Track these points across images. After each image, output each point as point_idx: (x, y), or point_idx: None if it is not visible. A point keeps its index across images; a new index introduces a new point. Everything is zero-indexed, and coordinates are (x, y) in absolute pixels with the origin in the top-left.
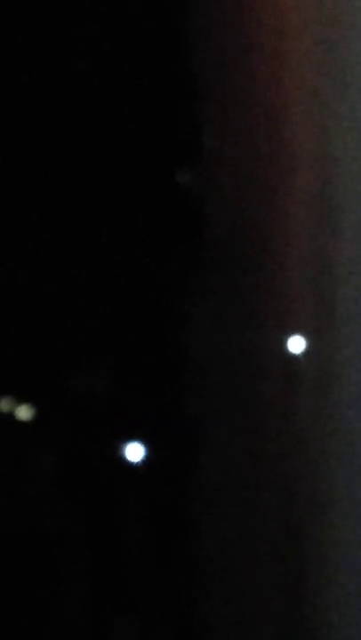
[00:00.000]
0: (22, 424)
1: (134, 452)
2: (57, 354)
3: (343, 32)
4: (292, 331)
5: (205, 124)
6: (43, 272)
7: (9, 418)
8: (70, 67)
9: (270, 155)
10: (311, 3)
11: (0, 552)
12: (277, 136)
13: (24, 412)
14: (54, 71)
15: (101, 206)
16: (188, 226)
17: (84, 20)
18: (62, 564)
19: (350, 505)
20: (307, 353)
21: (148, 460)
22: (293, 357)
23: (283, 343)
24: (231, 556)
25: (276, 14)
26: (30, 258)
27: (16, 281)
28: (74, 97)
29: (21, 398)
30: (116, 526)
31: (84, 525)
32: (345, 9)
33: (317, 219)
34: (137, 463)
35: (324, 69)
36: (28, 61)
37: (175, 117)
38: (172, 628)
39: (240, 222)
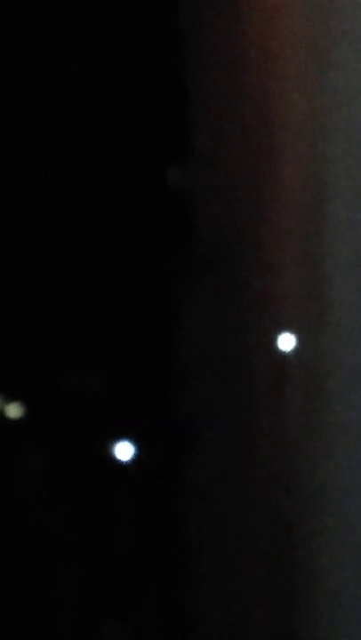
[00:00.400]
0: (12, 422)
1: (124, 450)
2: (48, 352)
3: (338, 29)
4: (283, 328)
5: (197, 124)
6: (36, 270)
7: None
8: (63, 67)
9: (262, 154)
10: (306, 1)
11: None
12: (269, 135)
13: (14, 411)
14: (48, 71)
15: (93, 206)
16: (179, 226)
17: (76, 21)
18: (53, 563)
19: (342, 502)
20: (297, 350)
21: (137, 459)
22: (284, 355)
23: (273, 341)
24: (223, 556)
25: (269, 14)
26: (24, 256)
27: (9, 279)
28: (66, 98)
29: (11, 396)
30: (107, 525)
31: (75, 524)
32: (340, 8)
33: (308, 217)
34: (127, 462)
35: (318, 69)
36: (22, 62)
37: (167, 117)
38: (164, 626)
39: (231, 222)
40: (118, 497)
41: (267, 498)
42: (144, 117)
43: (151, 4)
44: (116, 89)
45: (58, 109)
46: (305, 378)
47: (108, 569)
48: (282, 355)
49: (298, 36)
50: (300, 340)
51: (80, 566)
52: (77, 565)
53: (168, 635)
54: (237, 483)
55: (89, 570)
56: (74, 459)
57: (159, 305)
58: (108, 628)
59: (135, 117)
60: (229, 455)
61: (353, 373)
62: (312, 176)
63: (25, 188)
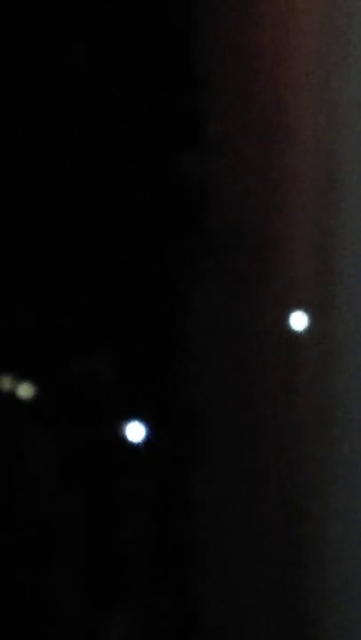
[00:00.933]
0: (23, 402)
1: (135, 431)
2: (58, 333)
3: (345, 24)
4: (295, 307)
5: (208, 112)
6: (48, 254)
7: (9, 396)
8: (73, 53)
9: (271, 140)
10: None
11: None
12: (279, 123)
13: (25, 391)
14: (57, 55)
15: (104, 194)
16: (191, 211)
17: (88, 10)
18: (63, 544)
19: (352, 485)
20: (309, 329)
21: (149, 440)
22: (296, 334)
23: (285, 320)
24: (232, 538)
25: (282, 3)
26: (34, 241)
27: (19, 262)
28: (77, 85)
29: (22, 377)
30: (117, 506)
31: (85, 505)
32: (347, 5)
33: (319, 198)
34: (138, 443)
35: (328, 58)
36: (33, 47)
37: (178, 106)
38: (171, 611)
39: (243, 207)
40: (130, 477)
41: (276, 478)
42: (155, 106)
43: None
44: (128, 79)
45: (69, 98)
46: (317, 356)
47: (119, 548)
48: (294, 334)
49: (314, 23)
50: (313, 319)
51: (91, 545)
52: (88, 544)
53: (175, 618)
54: (248, 463)
55: (100, 549)
56: (85, 439)
57: (170, 288)
58: (118, 608)
59: (147, 107)
60: (240, 435)
61: None
62: (323, 157)
63: (39, 173)
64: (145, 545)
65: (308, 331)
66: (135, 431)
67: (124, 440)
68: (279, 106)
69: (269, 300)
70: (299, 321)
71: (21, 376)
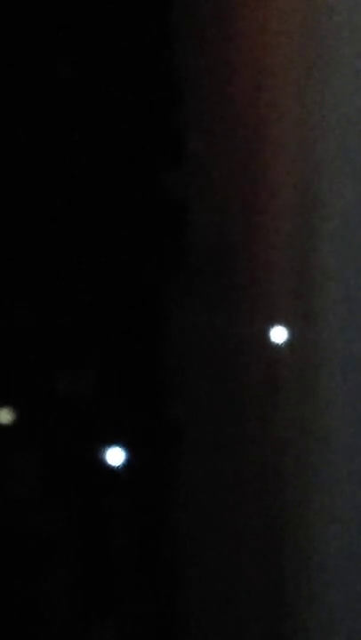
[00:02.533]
0: (3, 427)
1: (115, 456)
2: (39, 357)
3: (330, 33)
4: (275, 321)
5: (188, 130)
6: (27, 274)
7: None
8: (55, 72)
9: (254, 158)
10: (299, 6)
11: None
12: (260, 139)
13: (4, 416)
14: (40, 76)
15: (86, 209)
16: (172, 230)
17: (70, 26)
18: (44, 567)
19: (335, 497)
20: (289, 343)
21: (128, 465)
22: (276, 347)
23: (265, 334)
24: (214, 560)
25: (264, 19)
26: (14, 261)
27: (1, 284)
28: (59, 102)
29: (2, 401)
30: (98, 530)
31: (66, 529)
32: (332, 13)
33: (299, 213)
34: (118, 467)
35: (311, 72)
36: (14, 67)
37: (159, 121)
38: (154, 630)
39: (223, 220)
40: (110, 501)
41: (259, 499)
42: (137, 122)
43: (146, 10)
44: (110, 94)
45: (51, 115)
46: (297, 370)
47: (101, 573)
48: (274, 347)
49: (293, 40)
50: (292, 333)
51: (73, 570)
52: (70, 570)
53: (159, 635)
54: (229, 486)
55: (82, 574)
56: (65, 464)
57: (150, 310)
58: (100, 629)
59: (128, 122)
60: (221, 457)
61: (345, 365)
62: (303, 172)
63: (21, 194)
64: (128, 569)
65: (289, 344)
66: (115, 455)
67: (104, 464)
68: (261, 123)
69: (250, 315)
70: (279, 335)
71: (1, 401)
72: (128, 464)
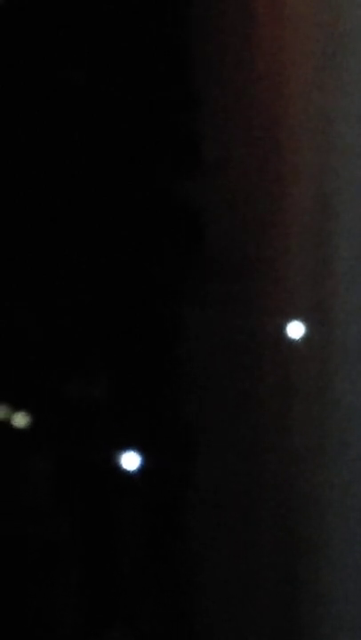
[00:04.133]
0: (18, 431)
1: (130, 460)
2: (53, 361)
3: (344, 44)
4: (291, 318)
5: (204, 137)
6: (40, 279)
7: (5, 425)
8: (69, 78)
9: (268, 163)
10: (312, 14)
11: None
12: (274, 146)
13: (20, 420)
14: (53, 81)
15: (101, 217)
16: (187, 235)
17: (84, 32)
18: (58, 572)
19: (351, 495)
20: (306, 338)
21: (143, 469)
22: (292, 346)
23: (281, 333)
24: (227, 564)
25: (279, 27)
26: (28, 265)
27: (13, 290)
28: (72, 109)
29: (18, 406)
30: (112, 535)
31: (80, 533)
32: (346, 19)
33: (315, 210)
34: (133, 472)
35: (330, 80)
36: (30, 71)
37: (175, 130)
38: (167, 636)
39: (240, 218)
40: (124, 506)
41: (272, 503)
42: (152, 130)
43: (161, 17)
44: (124, 102)
45: (65, 122)
46: (314, 369)
47: (114, 578)
48: (290, 348)
49: (312, 49)
50: (309, 328)
51: (86, 575)
52: (83, 574)
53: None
54: (244, 487)
55: (94, 578)
56: (80, 468)
57: (165, 314)
58: (113, 635)
59: (143, 130)
60: (236, 458)
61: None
62: (320, 172)
63: (35, 201)
64: (140, 573)
65: (306, 339)
66: (130, 460)
67: (119, 468)
68: (276, 129)
69: (266, 316)
70: (295, 331)
71: (16, 405)
72: (143, 468)
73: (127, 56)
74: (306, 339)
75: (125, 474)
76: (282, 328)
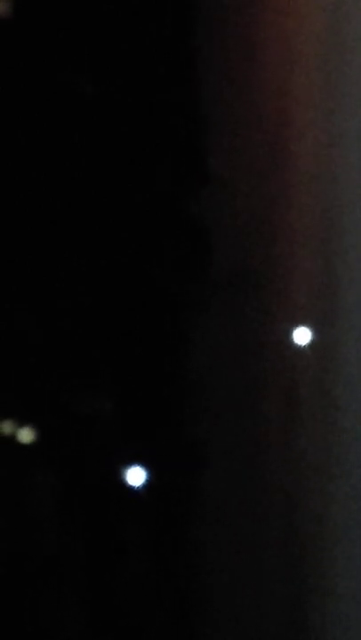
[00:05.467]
0: (24, 447)
1: (136, 476)
2: (59, 377)
3: (349, 56)
4: (298, 323)
5: (211, 152)
6: (47, 294)
7: (10, 440)
8: (76, 95)
9: (275, 179)
10: (318, 30)
11: (1, 573)
12: (280, 160)
13: (26, 435)
14: (61, 98)
15: (108, 231)
16: (195, 249)
17: (92, 48)
18: (62, 587)
19: (356, 513)
20: (312, 344)
21: (149, 485)
22: (298, 357)
23: (287, 343)
24: (233, 580)
25: (286, 44)
26: (34, 278)
27: (19, 304)
28: (79, 125)
29: (23, 421)
30: (117, 550)
31: (85, 548)
32: (351, 32)
33: (321, 220)
34: (138, 487)
35: (336, 94)
36: (36, 86)
37: (182, 145)
38: None
39: (245, 225)
40: (129, 521)
41: (278, 517)
42: (160, 147)
43: (168, 34)
44: (132, 119)
45: (73, 138)
46: (320, 369)
47: (119, 593)
48: (297, 359)
49: (317, 63)
50: (316, 334)
51: (91, 590)
52: (88, 589)
53: None
54: (249, 503)
55: (99, 594)
56: (85, 484)
57: (170, 329)
58: None
59: (152, 147)
60: (243, 472)
61: None
62: (325, 183)
63: (41, 214)
64: (146, 589)
65: (312, 351)
66: (136, 475)
67: (124, 484)
68: (281, 144)
69: (273, 326)
70: (302, 336)
71: (21, 420)
72: (148, 484)
73: (134, 72)
74: (312, 350)
75: (131, 489)
76: (289, 340)
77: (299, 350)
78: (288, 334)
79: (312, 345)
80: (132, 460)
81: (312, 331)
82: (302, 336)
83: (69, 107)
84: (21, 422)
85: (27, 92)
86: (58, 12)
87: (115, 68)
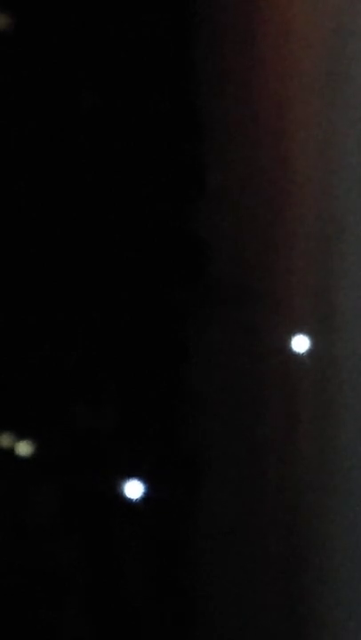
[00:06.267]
0: (22, 460)
1: (134, 489)
2: (57, 390)
3: (355, 61)
4: (297, 330)
5: (209, 164)
6: (47, 306)
7: (9, 453)
8: (76, 105)
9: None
10: (319, 36)
11: (1, 585)
12: (279, 172)
13: (24, 448)
14: (61, 110)
15: (106, 243)
16: (192, 261)
17: (91, 59)
18: (62, 600)
19: (355, 527)
20: (311, 352)
21: (147, 498)
22: (298, 357)
23: (287, 343)
24: (231, 592)
25: (283, 50)
26: (33, 291)
27: (18, 315)
28: (78, 135)
29: (21, 434)
30: (116, 563)
31: (84, 562)
32: (357, 39)
33: (320, 228)
34: (136, 500)
35: (335, 101)
36: (34, 97)
37: (180, 156)
38: None
39: (243, 232)
40: (128, 535)
41: (278, 531)
42: (159, 157)
43: (168, 48)
44: (129, 129)
45: (70, 149)
46: (319, 378)
47: (118, 605)
48: (296, 357)
49: (316, 70)
50: (314, 342)
51: (90, 603)
52: (86, 603)
53: None
54: (249, 516)
55: (98, 608)
56: (84, 497)
57: (169, 342)
58: None
59: (148, 158)
60: (241, 483)
61: None
62: (327, 204)
63: (45, 223)
64: (143, 603)
65: (310, 353)
66: (134, 488)
67: (122, 497)
68: (280, 154)
69: (272, 337)
70: (301, 344)
71: (19, 433)
72: (146, 497)
73: (134, 85)
74: (311, 358)
75: (128, 502)
76: (288, 352)
77: (298, 358)
78: (287, 343)
79: (311, 353)
80: (130, 473)
81: (310, 339)
82: (301, 344)
83: (69, 119)
84: (20, 435)
85: (28, 104)
86: (58, 23)
87: (114, 81)
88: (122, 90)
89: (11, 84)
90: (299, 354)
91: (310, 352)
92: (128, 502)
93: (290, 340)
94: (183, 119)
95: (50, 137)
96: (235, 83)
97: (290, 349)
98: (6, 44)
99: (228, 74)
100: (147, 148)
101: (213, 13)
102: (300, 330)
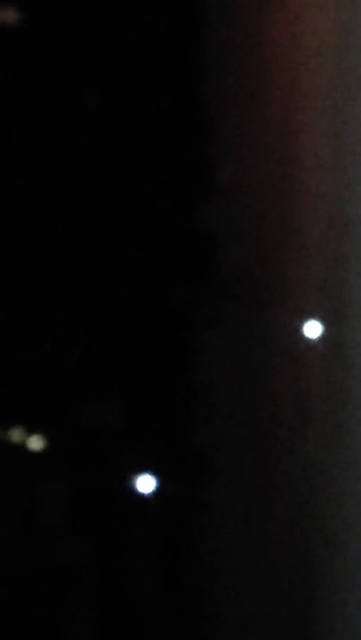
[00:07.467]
0: (33, 454)
1: (146, 484)
2: (68, 385)
3: (355, 77)
4: (309, 316)
5: (219, 163)
6: (57, 305)
7: (20, 448)
8: (84, 105)
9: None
10: (328, 43)
11: (11, 581)
12: (288, 171)
13: (35, 443)
14: (67, 108)
15: (116, 243)
16: (203, 256)
17: (100, 59)
18: (73, 594)
19: None
20: (323, 337)
21: (159, 492)
22: (310, 342)
23: (298, 336)
24: (241, 586)
25: (293, 49)
26: (43, 289)
27: (29, 314)
28: (87, 135)
29: (33, 429)
30: (127, 557)
31: (95, 555)
32: (357, 35)
33: (330, 218)
34: (148, 495)
35: (344, 100)
36: (41, 96)
37: (189, 155)
38: None
39: (256, 222)
40: (139, 529)
41: (287, 525)
42: (169, 156)
43: (174, 47)
44: (139, 129)
45: (80, 149)
46: (330, 363)
47: (129, 599)
48: (308, 342)
49: (325, 69)
50: (327, 328)
51: (100, 596)
52: (98, 594)
53: None
54: (259, 510)
55: (109, 600)
56: (95, 491)
57: (179, 339)
58: None
59: (159, 157)
60: (252, 480)
61: None
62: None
63: (51, 224)
64: (154, 596)
65: (323, 339)
66: (146, 483)
67: (134, 492)
68: (288, 153)
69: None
70: (313, 329)
71: (31, 428)
72: (158, 492)
73: (140, 83)
74: (323, 344)
75: (140, 497)
76: (299, 346)
77: (309, 344)
78: (298, 336)
79: (323, 338)
80: (141, 468)
81: (322, 324)
82: (313, 330)
83: (75, 117)
84: (31, 430)
85: (32, 102)
86: (63, 20)
87: (120, 79)
88: (129, 89)
89: (15, 79)
90: (310, 344)
91: (322, 340)
92: (140, 496)
93: (301, 333)
94: (192, 116)
95: (55, 135)
96: (243, 82)
97: (301, 343)
98: (16, 39)
99: (237, 74)
100: (155, 145)
101: (223, 13)
102: (312, 318)
